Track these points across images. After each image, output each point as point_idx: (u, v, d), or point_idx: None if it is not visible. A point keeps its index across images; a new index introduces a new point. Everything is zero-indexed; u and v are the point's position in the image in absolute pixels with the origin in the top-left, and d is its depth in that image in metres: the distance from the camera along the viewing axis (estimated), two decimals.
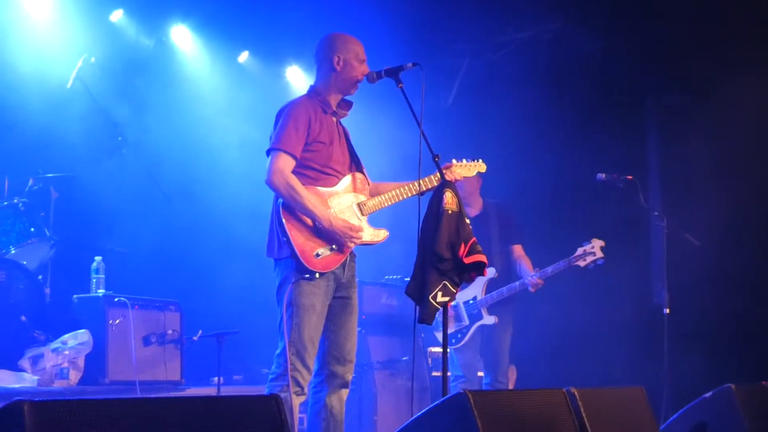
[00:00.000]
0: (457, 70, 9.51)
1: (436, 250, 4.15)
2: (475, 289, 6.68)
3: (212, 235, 8.00)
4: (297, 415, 4.44)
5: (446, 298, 4.17)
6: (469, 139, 9.01)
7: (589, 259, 6.53)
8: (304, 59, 8.98)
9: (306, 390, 4.46)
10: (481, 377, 6.89)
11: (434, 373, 7.58)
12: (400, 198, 4.75)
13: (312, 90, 4.68)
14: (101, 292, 6.28)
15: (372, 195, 4.71)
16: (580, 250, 6.56)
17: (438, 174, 4.62)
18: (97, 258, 6.43)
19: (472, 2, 8.06)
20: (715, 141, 8.15)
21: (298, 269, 4.39)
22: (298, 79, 9.09)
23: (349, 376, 4.60)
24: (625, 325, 8.36)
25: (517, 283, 6.60)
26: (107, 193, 7.11)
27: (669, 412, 6.18)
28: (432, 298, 4.13)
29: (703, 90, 8.21)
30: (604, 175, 6.82)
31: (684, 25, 7.97)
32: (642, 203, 6.81)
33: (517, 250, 6.83)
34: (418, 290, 4.19)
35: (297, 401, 4.39)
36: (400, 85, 4.50)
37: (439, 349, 7.70)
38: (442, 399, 3.76)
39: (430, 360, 7.71)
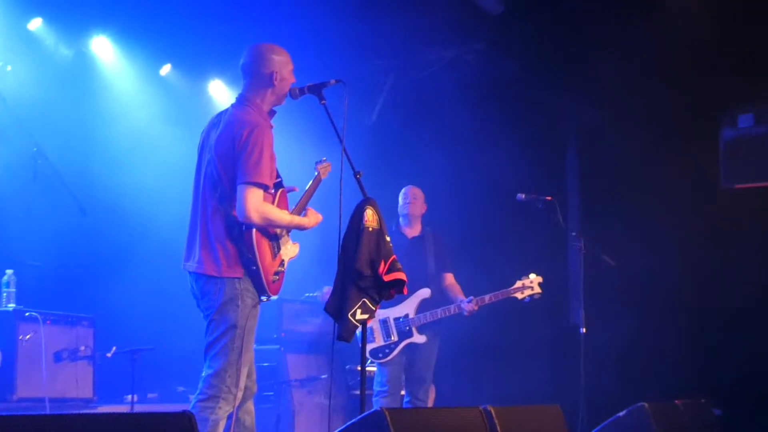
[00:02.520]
0: (381, 88, 9.55)
1: (356, 267, 4.15)
2: (407, 307, 6.68)
3: (128, 250, 7.86)
4: None
5: (365, 316, 4.16)
6: (391, 156, 9.04)
7: (527, 292, 6.67)
8: (227, 74, 8.91)
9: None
10: (404, 395, 6.89)
11: (355, 392, 7.56)
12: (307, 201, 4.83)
13: (250, 102, 4.51)
14: (11, 306, 6.12)
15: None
16: (519, 283, 6.68)
17: (317, 172, 4.88)
18: (8, 271, 6.28)
19: (396, 20, 8.10)
20: (634, 162, 8.32)
21: (254, 291, 4.34)
22: (221, 94, 9.02)
23: (255, 387, 4.56)
24: (542, 344, 8.46)
25: (453, 306, 6.65)
26: (20, 205, 6.92)
27: (585, 430, 6.26)
28: (351, 315, 4.12)
29: (620, 111, 8.39)
30: (524, 195, 6.91)
31: (599, 46, 8.14)
32: (560, 223, 6.90)
33: (449, 278, 6.91)
34: (338, 307, 4.18)
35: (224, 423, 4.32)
36: (323, 101, 4.49)
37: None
38: (359, 417, 3.74)
39: (348, 377, 7.68)
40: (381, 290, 4.24)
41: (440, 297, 6.80)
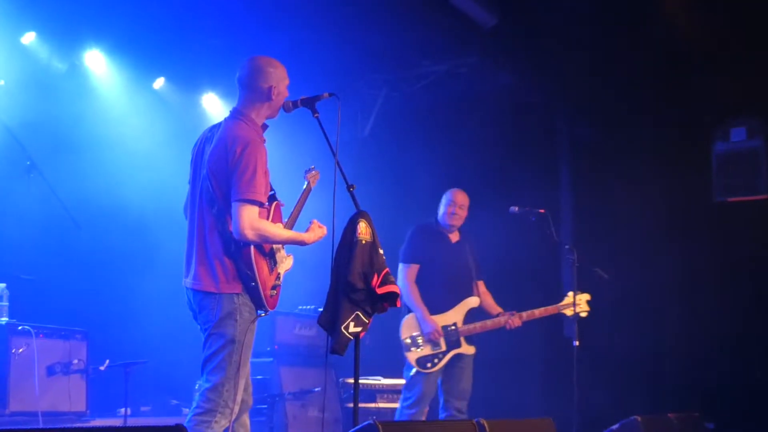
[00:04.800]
0: (374, 101, 9.57)
1: (349, 280, 4.15)
2: (455, 316, 6.47)
3: (121, 263, 7.86)
4: None
5: (359, 329, 4.16)
6: (385, 170, 9.05)
7: (577, 309, 6.59)
8: (220, 87, 8.92)
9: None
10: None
11: (381, 403, 7.52)
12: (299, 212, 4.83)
13: (244, 116, 4.50)
14: (4, 320, 6.12)
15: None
16: (567, 299, 6.61)
17: (307, 182, 4.89)
18: (1, 285, 6.27)
19: (388, 35, 8.13)
20: (626, 176, 8.35)
21: (252, 306, 4.34)
22: (215, 107, 9.03)
23: (251, 400, 4.55)
24: (536, 357, 8.46)
25: (503, 317, 6.48)
26: (14, 219, 6.93)
27: None
28: (344, 328, 4.12)
29: (612, 123, 8.42)
30: (517, 208, 6.88)
31: (592, 60, 8.17)
32: (553, 236, 6.90)
33: (482, 285, 6.73)
34: (331, 320, 4.18)
35: None
36: (316, 114, 4.49)
37: (371, 381, 7.64)
38: (352, 430, 3.74)
39: (341, 390, 7.67)
40: (374, 303, 4.24)
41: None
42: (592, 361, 7.53)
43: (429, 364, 6.38)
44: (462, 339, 6.45)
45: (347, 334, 4.13)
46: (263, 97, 4.50)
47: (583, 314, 6.61)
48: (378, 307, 4.26)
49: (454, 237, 6.73)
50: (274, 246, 4.52)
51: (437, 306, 6.46)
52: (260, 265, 4.34)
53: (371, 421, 3.62)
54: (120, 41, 8.09)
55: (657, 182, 8.23)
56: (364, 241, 4.22)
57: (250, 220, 4.25)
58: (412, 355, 6.39)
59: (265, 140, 4.56)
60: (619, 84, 8.25)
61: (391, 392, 7.64)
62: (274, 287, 4.45)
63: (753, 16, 7.45)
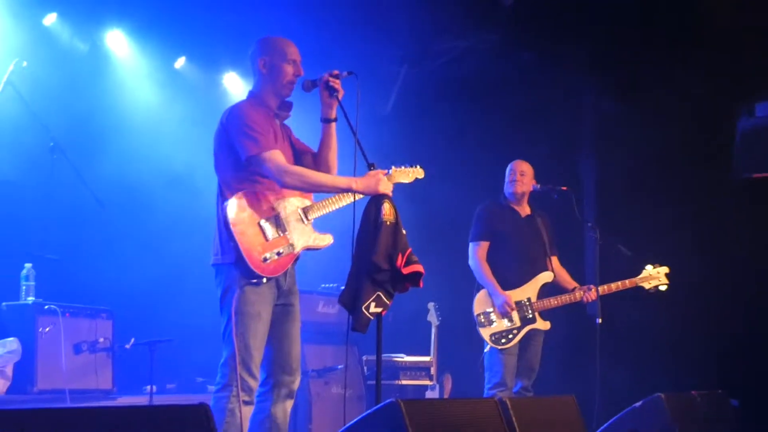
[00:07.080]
0: (395, 78, 9.54)
1: (374, 261, 4.15)
2: (529, 291, 6.40)
3: (145, 242, 7.90)
4: (246, 425, 4.34)
5: (379, 309, 4.18)
6: (407, 147, 9.03)
7: (654, 283, 6.54)
8: (241, 66, 8.92)
9: (253, 399, 4.40)
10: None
11: (404, 381, 7.56)
12: (341, 204, 4.70)
13: (251, 95, 4.63)
14: (31, 299, 6.17)
15: (314, 200, 4.69)
16: (645, 273, 6.56)
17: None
18: (27, 265, 6.32)
19: (409, 11, 8.09)
20: (649, 152, 8.29)
21: (244, 275, 4.31)
22: (236, 86, 9.04)
23: (296, 386, 4.54)
24: (558, 335, 8.44)
25: (578, 293, 6.47)
26: (38, 199, 6.98)
27: (600, 421, 6.26)
28: (365, 308, 4.13)
29: (637, 100, 8.35)
30: (539, 186, 6.84)
31: (614, 35, 8.11)
32: (576, 214, 6.87)
33: (555, 260, 6.69)
34: (351, 299, 4.20)
35: (246, 411, 4.32)
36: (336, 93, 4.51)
37: (394, 358, 7.66)
38: (374, 408, 3.76)
39: (365, 368, 7.70)
40: (397, 283, 4.25)
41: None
42: (615, 339, 7.51)
43: (504, 340, 6.31)
44: (537, 314, 6.40)
45: (368, 314, 4.14)
46: (258, 72, 4.60)
47: (663, 287, 6.56)
48: (400, 286, 4.27)
49: (524, 211, 6.70)
50: (282, 215, 4.47)
51: (510, 281, 6.40)
52: (241, 229, 4.32)
53: (393, 400, 3.64)
54: (141, 21, 8.11)
55: (681, 157, 8.17)
56: (388, 222, 4.24)
57: (275, 166, 4.33)
58: (486, 332, 6.34)
59: (281, 115, 4.62)
60: (644, 59, 8.18)
61: (415, 369, 7.67)
62: (275, 253, 4.41)
63: None
